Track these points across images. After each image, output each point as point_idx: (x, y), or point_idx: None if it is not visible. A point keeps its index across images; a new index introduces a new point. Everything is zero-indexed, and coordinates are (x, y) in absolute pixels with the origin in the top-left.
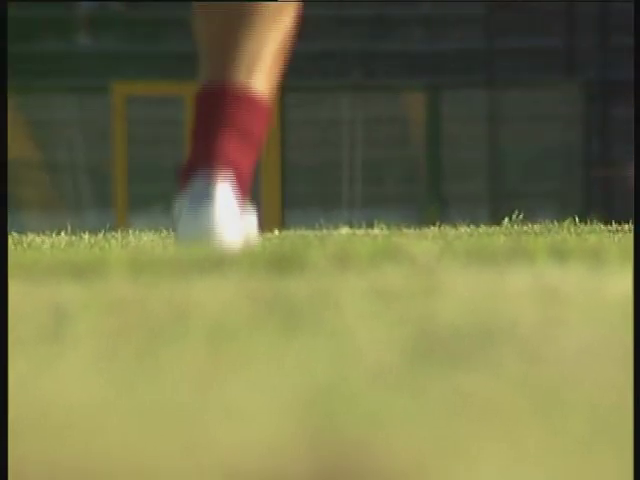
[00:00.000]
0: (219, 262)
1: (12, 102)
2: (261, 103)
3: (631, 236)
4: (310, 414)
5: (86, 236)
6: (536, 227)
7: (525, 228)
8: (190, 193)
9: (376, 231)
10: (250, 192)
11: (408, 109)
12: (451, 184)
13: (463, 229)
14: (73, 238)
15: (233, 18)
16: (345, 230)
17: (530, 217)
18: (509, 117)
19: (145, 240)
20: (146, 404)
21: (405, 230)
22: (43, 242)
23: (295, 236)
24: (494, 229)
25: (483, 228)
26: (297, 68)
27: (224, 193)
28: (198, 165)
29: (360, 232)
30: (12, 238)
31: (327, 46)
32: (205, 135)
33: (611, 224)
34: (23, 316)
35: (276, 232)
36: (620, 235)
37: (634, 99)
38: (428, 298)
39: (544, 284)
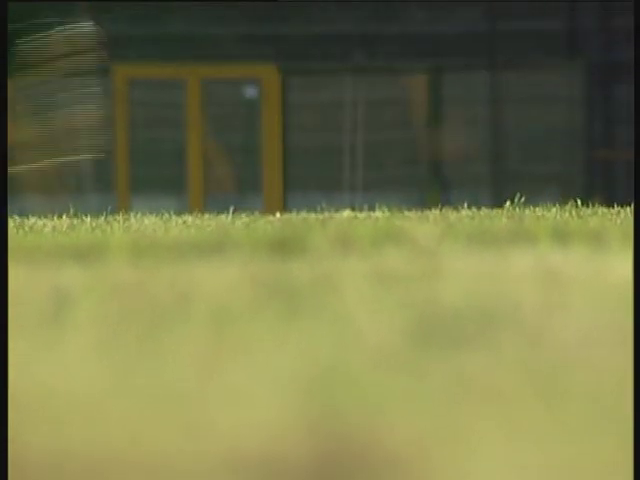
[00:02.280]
0: (221, 245)
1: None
2: None
3: (632, 218)
4: (312, 397)
5: (88, 219)
6: (538, 210)
7: (527, 211)
8: None
9: (378, 214)
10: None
11: (410, 91)
12: (453, 166)
13: (465, 212)
14: (75, 221)
15: None
16: (347, 213)
17: (532, 200)
18: (511, 99)
19: (147, 223)
20: (148, 389)
21: (407, 213)
22: (45, 225)
23: (297, 219)
24: (496, 212)
25: (485, 211)
26: (299, 51)
27: None
28: None
29: (362, 215)
30: (14, 221)
31: (328, 28)
32: None
33: (613, 207)
34: (25, 300)
35: (278, 215)
36: (622, 217)
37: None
38: (430, 281)
39: (546, 267)
